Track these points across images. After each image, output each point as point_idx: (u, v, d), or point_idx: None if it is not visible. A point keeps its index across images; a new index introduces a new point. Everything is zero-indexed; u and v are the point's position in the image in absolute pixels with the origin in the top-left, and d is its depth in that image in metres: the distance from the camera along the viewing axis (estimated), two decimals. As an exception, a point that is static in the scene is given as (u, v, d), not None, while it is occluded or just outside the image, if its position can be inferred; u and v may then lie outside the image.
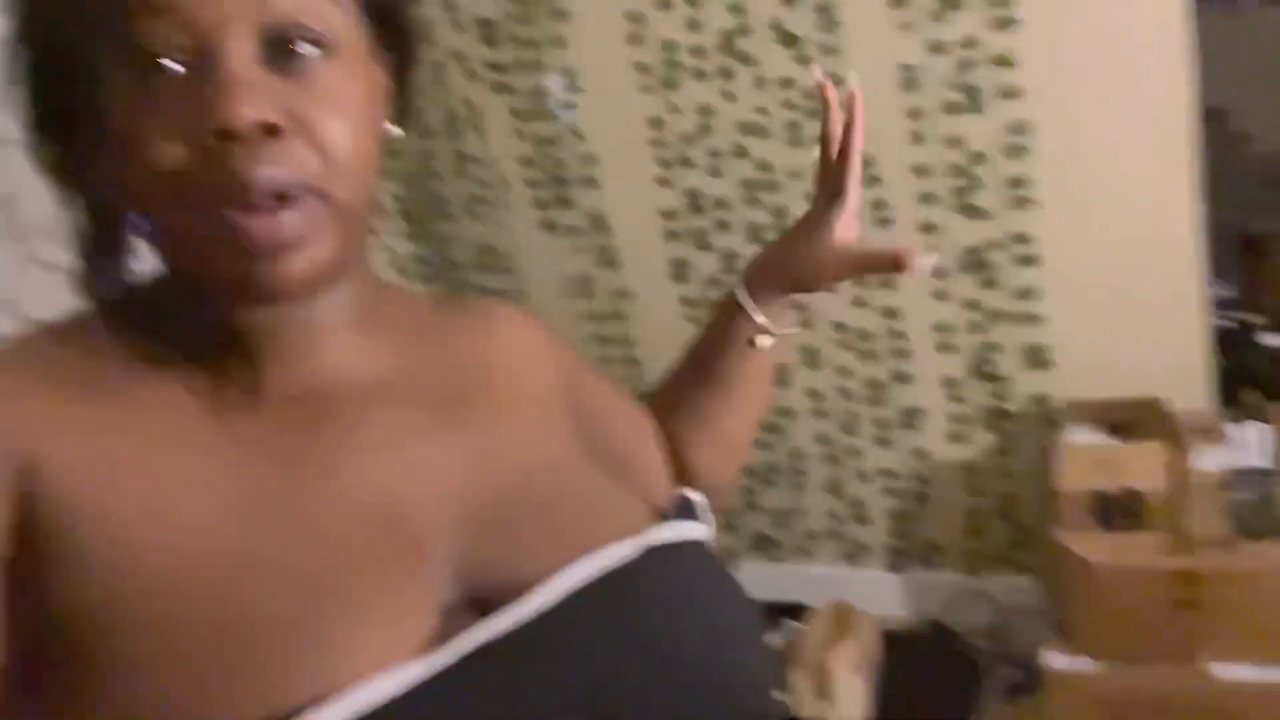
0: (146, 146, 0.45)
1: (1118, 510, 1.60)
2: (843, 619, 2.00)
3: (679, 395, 0.77)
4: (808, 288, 0.74)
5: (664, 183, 2.09)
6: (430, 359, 0.60)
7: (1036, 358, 1.90)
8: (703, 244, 2.11)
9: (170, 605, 0.44)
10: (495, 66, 2.14)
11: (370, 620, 0.46)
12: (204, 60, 0.44)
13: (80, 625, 0.44)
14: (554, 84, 2.09)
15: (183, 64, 0.45)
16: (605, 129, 2.09)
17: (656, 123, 2.05)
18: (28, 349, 0.51)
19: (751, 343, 0.73)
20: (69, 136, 0.48)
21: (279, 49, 0.46)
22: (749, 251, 2.05)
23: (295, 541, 0.47)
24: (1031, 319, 1.88)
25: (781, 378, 2.15)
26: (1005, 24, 1.72)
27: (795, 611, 2.11)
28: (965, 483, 2.06)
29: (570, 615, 0.49)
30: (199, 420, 0.50)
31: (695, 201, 2.07)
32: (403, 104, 0.57)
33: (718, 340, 0.75)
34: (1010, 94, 1.76)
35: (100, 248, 0.51)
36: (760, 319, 0.73)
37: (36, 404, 0.47)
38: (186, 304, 0.52)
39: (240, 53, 0.45)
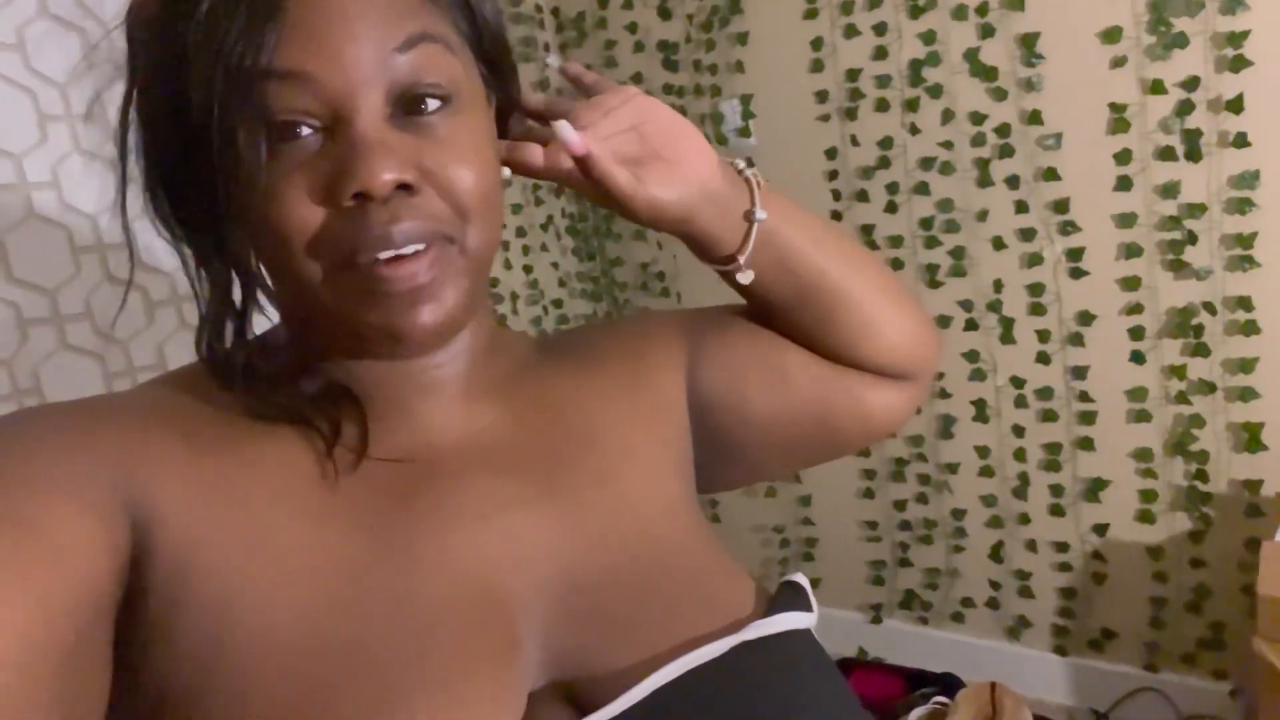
0: (282, 208, 0.45)
1: (1336, 626, 1.38)
2: (996, 701, 1.83)
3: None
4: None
5: (836, 216, 2.00)
6: (537, 417, 0.58)
7: (1246, 438, 1.68)
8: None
9: (261, 681, 0.43)
10: (672, 90, 2.12)
11: (454, 707, 0.44)
12: (335, 123, 0.46)
13: (177, 691, 0.43)
14: (729, 109, 2.05)
15: (315, 129, 0.46)
16: (780, 157, 2.02)
17: (833, 154, 1.97)
18: (146, 399, 0.51)
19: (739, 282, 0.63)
20: (193, 199, 0.49)
21: (404, 105, 0.47)
22: (921, 291, 1.94)
23: (385, 621, 0.46)
24: (1244, 394, 1.66)
25: (947, 430, 2.01)
26: (1236, 64, 1.53)
27: (942, 683, 1.96)
28: (1150, 567, 1.85)
29: (660, 714, 0.46)
30: (307, 483, 0.49)
31: (868, 238, 1.97)
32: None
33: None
34: (1234, 142, 1.57)
35: (222, 306, 0.52)
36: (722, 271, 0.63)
37: (155, 456, 0.47)
38: (303, 360, 0.53)
39: (371, 114, 0.46)
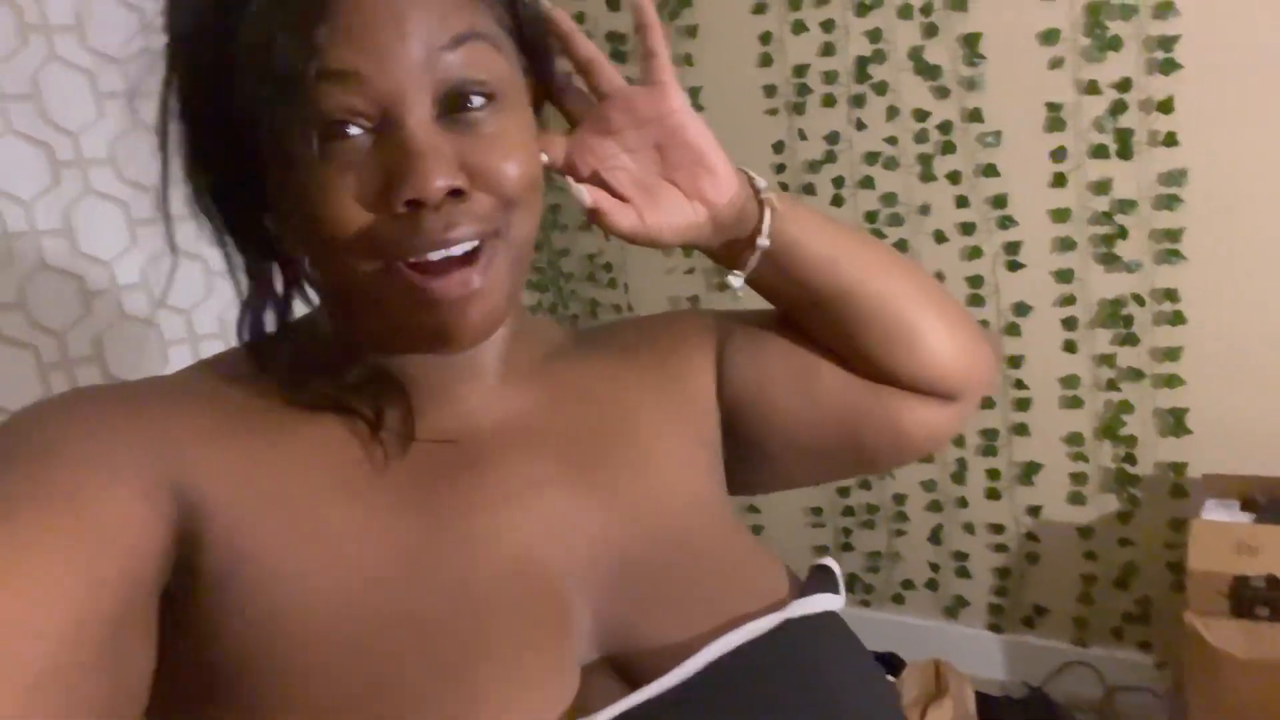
0: (333, 210, 0.45)
1: (1258, 599, 1.47)
2: (940, 678, 1.90)
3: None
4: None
5: (783, 209, 2.03)
6: (573, 404, 0.59)
7: (1172, 423, 1.78)
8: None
9: (321, 656, 0.44)
10: (620, 81, 2.12)
11: (517, 678, 0.46)
12: (385, 124, 0.46)
13: (230, 669, 0.44)
14: (678, 102, 2.05)
15: (365, 129, 0.46)
16: (727, 149, 2.03)
17: (780, 147, 2.00)
18: (192, 382, 0.52)
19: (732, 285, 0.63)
20: (237, 191, 0.48)
21: (452, 105, 0.47)
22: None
23: (443, 595, 0.47)
24: (1170, 381, 1.76)
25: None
26: (1167, 67, 1.61)
27: (885, 663, 2.02)
28: (1081, 547, 1.94)
29: (712, 688, 0.48)
30: (355, 464, 0.50)
31: (814, 230, 2.00)
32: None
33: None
34: (1164, 141, 1.65)
35: (263, 293, 0.52)
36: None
37: (202, 439, 0.47)
38: (344, 347, 0.53)
39: (421, 116, 0.46)
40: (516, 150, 0.49)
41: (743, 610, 0.52)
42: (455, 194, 0.46)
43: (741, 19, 1.95)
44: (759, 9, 1.93)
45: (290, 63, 0.43)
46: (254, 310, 0.52)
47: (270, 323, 0.52)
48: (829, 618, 0.54)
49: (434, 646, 0.45)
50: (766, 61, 1.96)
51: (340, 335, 0.54)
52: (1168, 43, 1.60)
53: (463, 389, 0.55)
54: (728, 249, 0.61)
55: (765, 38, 1.94)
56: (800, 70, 1.93)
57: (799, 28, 1.90)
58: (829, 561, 0.59)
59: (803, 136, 1.97)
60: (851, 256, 0.63)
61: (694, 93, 2.04)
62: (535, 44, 0.54)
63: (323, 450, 0.50)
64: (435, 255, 0.47)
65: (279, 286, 0.52)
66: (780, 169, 2.01)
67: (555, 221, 2.32)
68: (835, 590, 0.57)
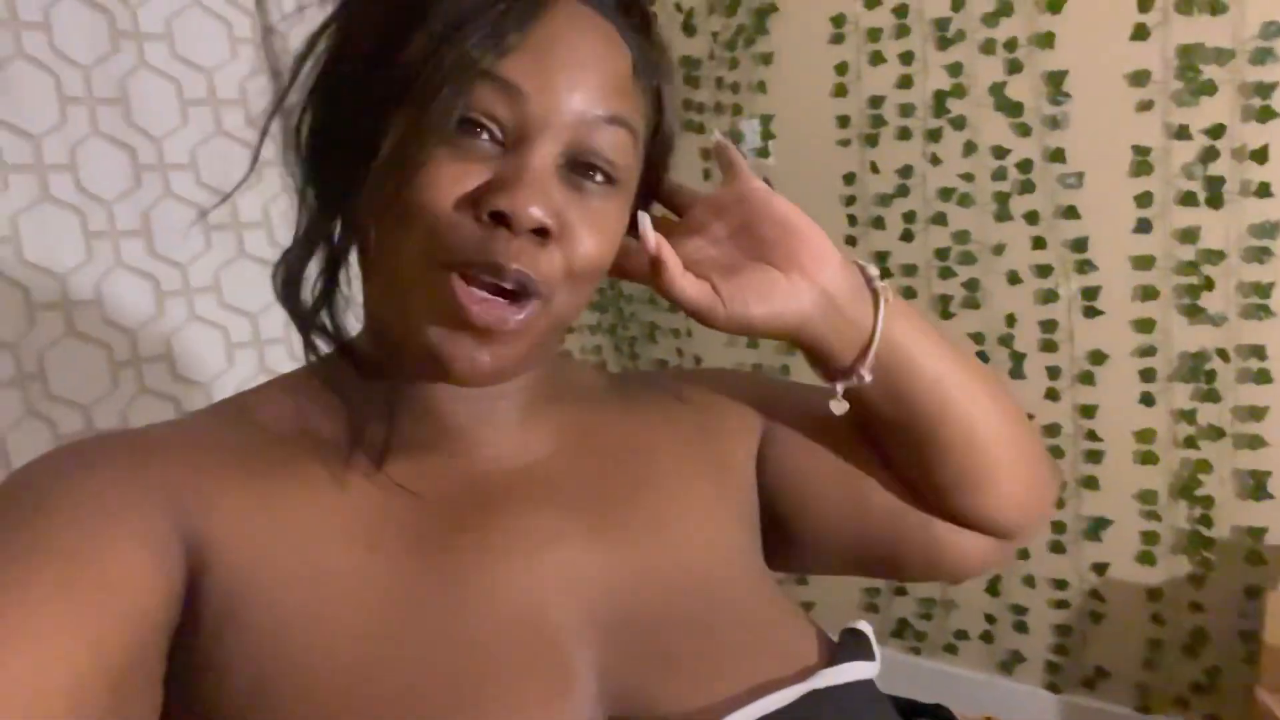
0: (429, 186, 0.46)
1: (1340, 680, 1.38)
2: (989, 736, 1.83)
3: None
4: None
5: (851, 241, 2.00)
6: (595, 453, 0.57)
7: (1252, 485, 1.69)
8: (884, 310, 2.00)
9: (316, 706, 0.43)
10: (693, 106, 2.11)
11: None
12: (515, 143, 0.47)
13: (227, 715, 0.43)
14: (749, 128, 2.04)
15: (495, 140, 0.47)
16: (796, 180, 2.02)
17: (851, 179, 1.96)
18: (195, 427, 0.52)
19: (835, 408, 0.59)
20: (341, 153, 0.49)
21: (576, 168, 0.49)
22: (933, 322, 1.93)
23: (443, 648, 0.45)
24: (1252, 442, 1.67)
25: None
26: (1264, 115, 1.54)
27: (932, 715, 1.95)
28: (1148, 609, 1.86)
29: None
30: (358, 508, 0.49)
31: (883, 264, 1.97)
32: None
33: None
34: (1257, 191, 1.58)
35: (309, 250, 0.52)
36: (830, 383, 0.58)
37: (203, 484, 0.47)
38: (367, 379, 0.52)
39: (548, 154, 0.47)
40: (607, 234, 0.50)
41: (766, 677, 0.49)
42: (540, 234, 0.47)
43: (818, 48, 1.93)
44: (837, 39, 1.91)
45: (471, 52, 0.45)
46: (292, 264, 0.51)
47: (309, 295, 0.52)
48: (860, 688, 0.51)
49: (429, 700, 0.44)
50: (841, 91, 1.93)
51: (366, 364, 0.53)
52: (1265, 90, 1.53)
53: (481, 433, 0.54)
54: (836, 347, 0.55)
55: (841, 68, 1.92)
56: (876, 101, 1.90)
57: (877, 59, 1.87)
58: (862, 625, 0.56)
59: (875, 169, 1.93)
60: (956, 377, 0.58)
61: (766, 120, 2.02)
62: (659, 155, 0.55)
63: (328, 491, 0.49)
64: (488, 279, 0.46)
65: (330, 254, 0.52)
66: (850, 201, 1.97)
67: (620, 243, 2.32)
68: (868, 656, 0.54)
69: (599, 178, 0.49)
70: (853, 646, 0.54)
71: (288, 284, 0.52)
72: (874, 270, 0.57)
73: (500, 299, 0.47)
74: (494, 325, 0.47)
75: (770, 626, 0.54)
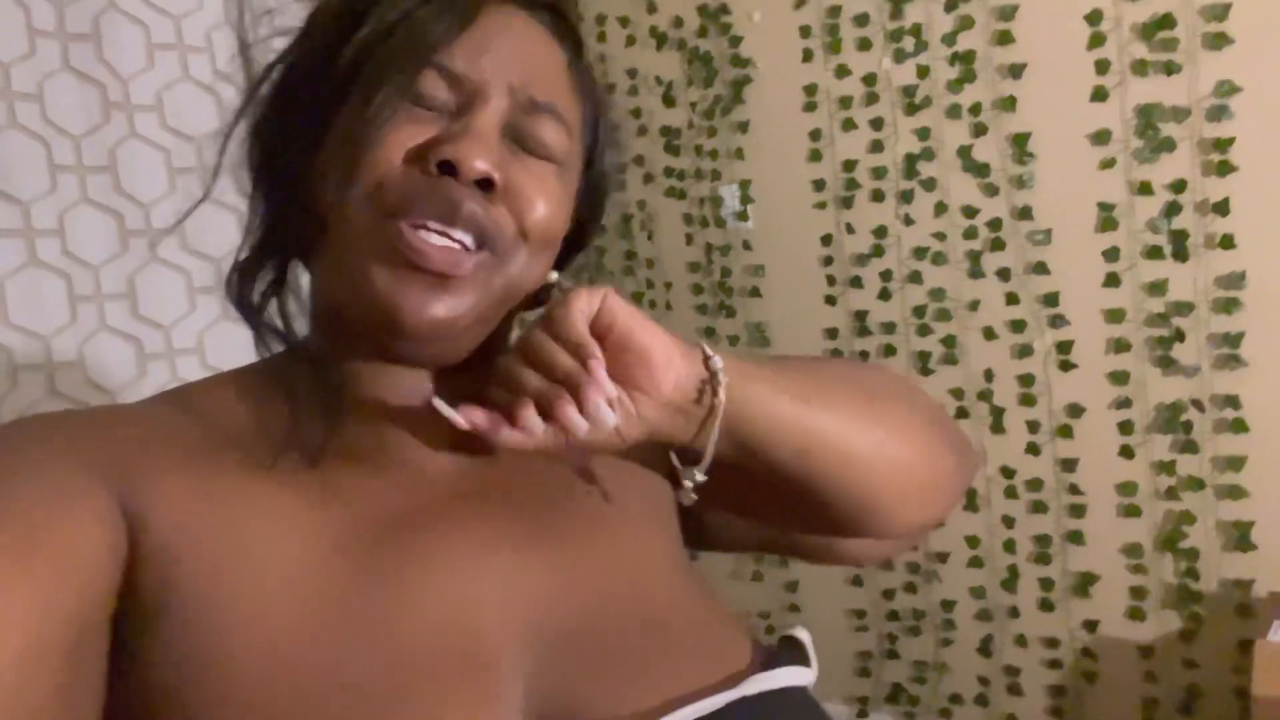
0: (381, 146, 0.48)
1: (1331, 732, 1.35)
2: (983, 801, 1.78)
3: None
4: None
5: (831, 301, 2.03)
6: (527, 461, 0.55)
7: (1236, 537, 1.68)
8: (865, 368, 2.02)
9: (237, 701, 0.43)
10: (673, 173, 2.17)
11: None
12: (460, 110, 0.50)
13: (158, 700, 0.43)
14: (728, 193, 2.09)
15: (443, 111, 0.50)
16: (776, 242, 2.06)
17: (828, 240, 2.00)
18: (148, 410, 0.52)
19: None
20: (294, 163, 0.52)
21: (515, 138, 0.52)
22: (913, 379, 1.96)
23: (369, 653, 0.45)
24: (1233, 492, 1.67)
25: (937, 519, 1.99)
26: (1223, 169, 1.59)
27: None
28: (1141, 667, 1.83)
29: None
30: (300, 501, 0.49)
31: (861, 323, 1.99)
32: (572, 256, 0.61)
33: None
34: (1221, 243, 1.61)
35: (262, 255, 0.54)
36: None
37: (150, 465, 0.47)
38: (314, 378, 0.53)
39: (492, 118, 0.50)
40: (553, 195, 0.52)
41: (697, 684, 0.49)
42: (485, 185, 0.49)
43: (792, 116, 1.99)
44: (810, 107, 1.97)
45: (415, 49, 0.49)
46: (245, 265, 0.54)
47: (255, 288, 0.54)
48: (792, 694, 0.51)
49: (351, 706, 0.44)
50: (816, 157, 1.98)
51: (315, 357, 0.54)
52: (1223, 144, 1.58)
53: (421, 434, 0.54)
54: (684, 436, 0.53)
55: (815, 134, 1.97)
56: (849, 165, 1.95)
57: (848, 125, 1.93)
58: (798, 631, 0.56)
59: (850, 230, 1.98)
60: (820, 426, 0.54)
61: (744, 185, 2.08)
62: (595, 189, 0.59)
63: (265, 483, 0.49)
64: (436, 227, 0.48)
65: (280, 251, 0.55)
66: (828, 261, 2.01)
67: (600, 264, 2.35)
68: (804, 663, 0.54)
69: (540, 149, 0.52)
70: (788, 652, 0.54)
71: (241, 283, 0.54)
72: (710, 351, 0.52)
73: (455, 250, 0.49)
74: (447, 268, 0.48)
75: (703, 633, 0.54)
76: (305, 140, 0.51)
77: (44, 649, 0.39)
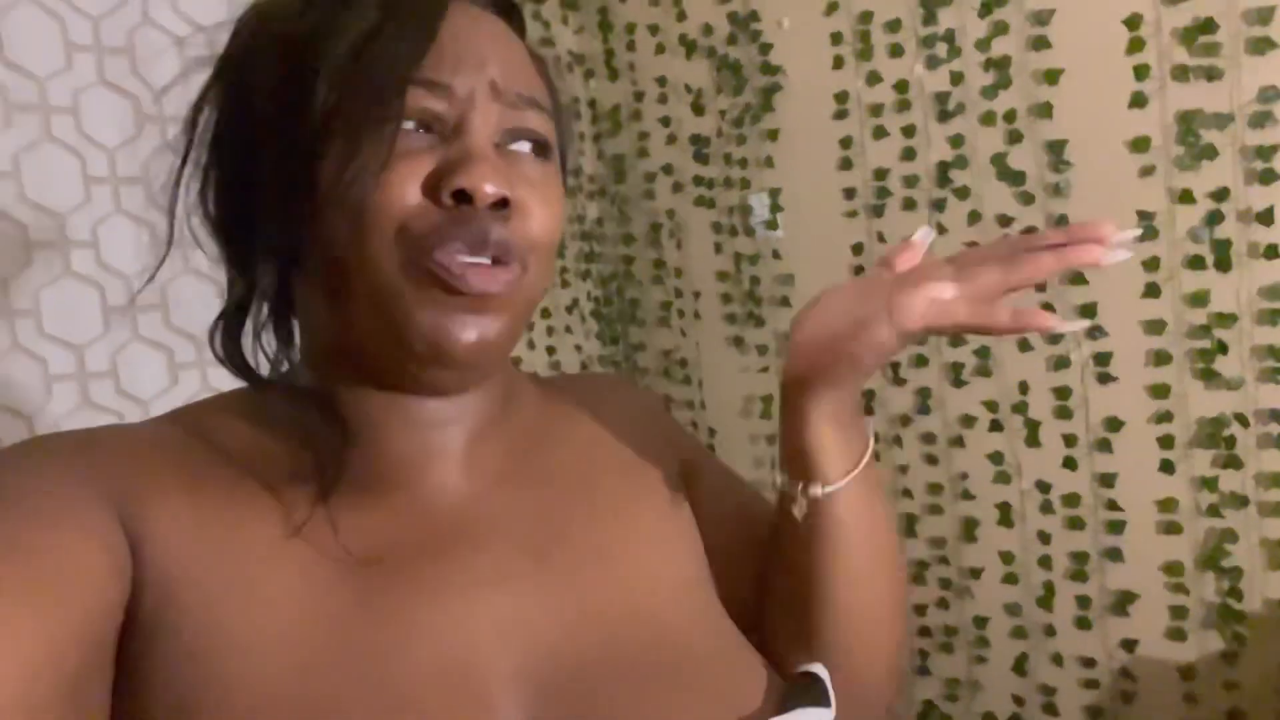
0: (390, 186, 0.47)
1: (1382, 762, 1.30)
2: (1016, 824, 1.74)
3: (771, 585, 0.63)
4: (857, 355, 0.54)
5: (861, 311, 2.00)
6: (539, 481, 0.56)
7: (1281, 556, 1.62)
8: (896, 379, 1.99)
9: None
10: (702, 181, 2.16)
11: None
12: (455, 131, 0.50)
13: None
14: (757, 202, 2.07)
15: (436, 132, 0.50)
16: (805, 251, 2.04)
17: (859, 249, 1.98)
18: (152, 432, 0.52)
19: (790, 509, 0.58)
20: (252, 199, 0.50)
21: (508, 141, 0.52)
22: (945, 391, 1.93)
23: (364, 688, 0.44)
24: (1277, 509, 1.61)
25: (970, 534, 1.96)
26: (1267, 178, 1.54)
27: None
28: (1181, 689, 1.77)
29: None
30: (303, 536, 0.48)
31: (893, 334, 1.96)
32: None
33: (779, 511, 0.61)
34: (1265, 253, 1.56)
35: (243, 305, 0.53)
36: (787, 481, 0.58)
37: (154, 487, 0.47)
38: (319, 406, 0.52)
39: (487, 132, 0.50)
40: (553, 204, 0.53)
41: None
42: (500, 206, 0.49)
43: (822, 123, 1.97)
44: (840, 114, 1.95)
45: (392, 68, 0.48)
46: (231, 321, 0.53)
47: (248, 339, 0.53)
48: None
49: None
50: (847, 165, 1.96)
51: (317, 383, 0.53)
52: (1266, 152, 1.53)
53: (428, 466, 0.53)
54: (834, 440, 0.56)
55: (846, 142, 1.95)
56: (880, 174, 1.92)
57: (879, 133, 1.91)
58: (816, 668, 0.54)
59: (882, 239, 1.95)
60: (877, 548, 0.59)
61: (774, 194, 2.06)
62: (562, 135, 0.58)
63: (272, 511, 0.49)
64: (466, 258, 0.48)
65: (264, 306, 0.54)
66: (859, 271, 1.98)
67: (633, 316, 2.35)
68: (822, 703, 0.52)
69: (533, 149, 0.52)
70: (803, 691, 0.52)
71: (228, 344, 0.53)
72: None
73: (486, 268, 0.49)
74: (488, 288, 0.48)
75: (714, 667, 0.52)
76: (285, 188, 0.49)
77: (47, 679, 0.38)
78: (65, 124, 1.34)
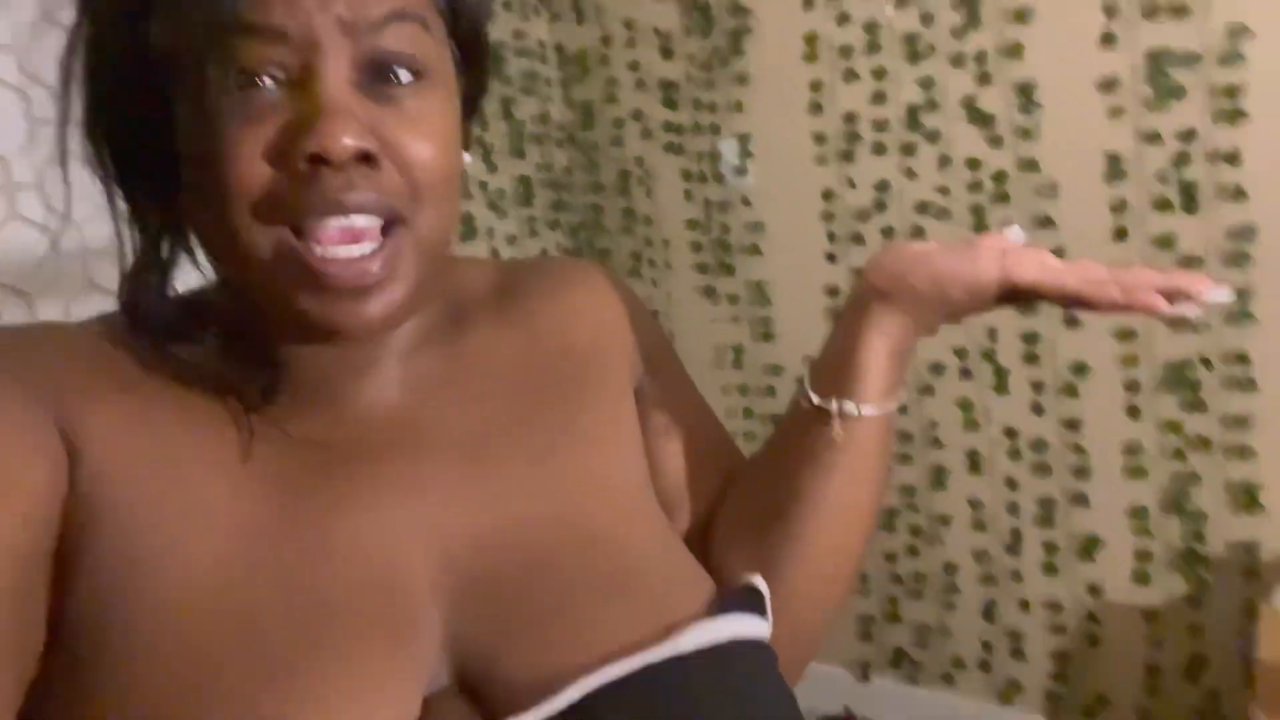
0: (236, 161, 0.43)
1: (1333, 697, 1.31)
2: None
3: (751, 506, 0.61)
4: (951, 299, 0.55)
5: (831, 258, 1.98)
6: (482, 382, 0.55)
7: (1243, 498, 1.63)
8: (866, 327, 1.98)
9: (154, 640, 0.42)
10: (672, 127, 2.12)
11: (343, 692, 0.42)
12: (301, 79, 0.44)
13: (76, 627, 0.43)
14: (727, 149, 2.05)
15: (279, 80, 0.44)
16: (775, 198, 2.02)
17: (829, 195, 1.96)
18: (84, 333, 0.50)
19: (813, 426, 0.57)
20: (138, 149, 0.47)
21: (373, 74, 0.46)
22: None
23: (286, 596, 0.44)
24: (1240, 452, 1.61)
25: (939, 481, 1.96)
26: (1234, 117, 1.52)
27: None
28: (1145, 631, 1.79)
29: None
30: (228, 445, 0.47)
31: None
32: (469, 130, 0.55)
33: (790, 433, 0.60)
34: (1232, 195, 1.54)
35: (147, 258, 0.50)
36: (820, 401, 0.57)
37: (84, 388, 0.46)
38: (231, 322, 0.51)
39: (338, 76, 0.44)
40: (437, 133, 0.47)
41: (635, 634, 0.47)
42: (364, 160, 0.44)
43: (792, 67, 1.94)
44: (810, 57, 1.91)
45: (213, 15, 0.42)
46: (137, 276, 0.50)
47: (153, 292, 0.50)
48: (740, 648, 0.48)
49: (259, 649, 0.43)
50: (816, 109, 1.93)
51: (232, 309, 0.51)
52: (1234, 91, 1.51)
53: (359, 382, 0.52)
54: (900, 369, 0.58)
55: (815, 85, 1.92)
56: (850, 118, 1.89)
57: (850, 76, 1.87)
58: (757, 580, 0.53)
59: (852, 185, 1.92)
60: (874, 497, 0.60)
61: (744, 139, 2.03)
62: (469, 37, 0.52)
63: (202, 422, 0.47)
64: (333, 223, 0.44)
65: (166, 256, 0.50)
66: (829, 217, 1.96)
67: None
68: (758, 612, 0.51)
69: (405, 78, 0.46)
70: (742, 601, 0.51)
71: (139, 292, 0.50)
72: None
73: (353, 246, 0.44)
74: (361, 281, 0.45)
75: (649, 573, 0.51)
76: (154, 134, 0.45)
77: (6, 565, 0.39)
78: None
